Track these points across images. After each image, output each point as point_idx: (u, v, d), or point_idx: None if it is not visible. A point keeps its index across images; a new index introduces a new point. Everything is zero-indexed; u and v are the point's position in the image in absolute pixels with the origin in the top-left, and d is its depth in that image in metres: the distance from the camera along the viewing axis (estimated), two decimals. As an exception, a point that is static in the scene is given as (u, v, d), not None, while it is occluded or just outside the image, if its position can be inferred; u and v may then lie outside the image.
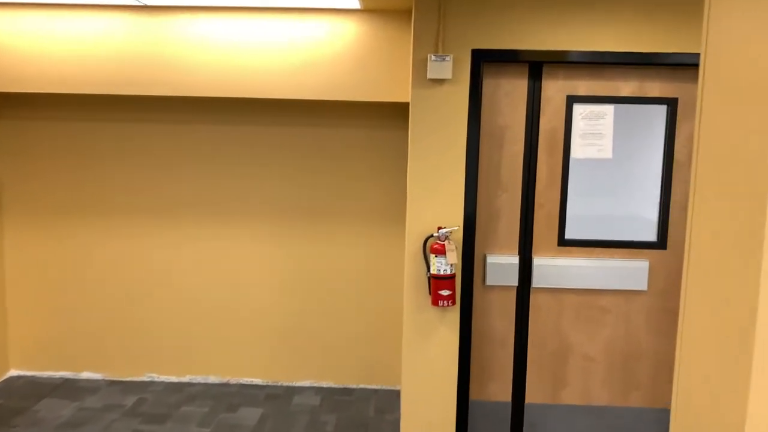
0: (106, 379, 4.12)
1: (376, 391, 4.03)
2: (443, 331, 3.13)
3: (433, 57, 2.92)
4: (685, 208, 3.15)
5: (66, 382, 4.07)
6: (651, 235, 3.15)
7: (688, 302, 1.49)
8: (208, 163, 3.95)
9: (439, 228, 3.04)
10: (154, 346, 4.08)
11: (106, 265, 4.04)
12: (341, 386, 4.07)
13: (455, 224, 3.06)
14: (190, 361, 4.09)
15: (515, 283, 3.15)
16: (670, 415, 1.51)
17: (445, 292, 3.00)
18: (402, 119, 3.87)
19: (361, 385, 4.07)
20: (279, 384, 4.08)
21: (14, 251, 4.04)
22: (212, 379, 4.09)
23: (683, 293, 1.50)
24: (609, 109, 3.05)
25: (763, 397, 1.14)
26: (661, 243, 3.15)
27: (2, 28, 3.55)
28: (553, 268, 3.12)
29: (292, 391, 4.00)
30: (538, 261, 3.13)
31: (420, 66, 2.98)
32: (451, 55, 2.92)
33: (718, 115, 1.35)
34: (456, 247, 3.04)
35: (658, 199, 3.12)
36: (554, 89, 3.06)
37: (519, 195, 3.13)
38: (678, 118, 3.07)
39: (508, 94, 3.07)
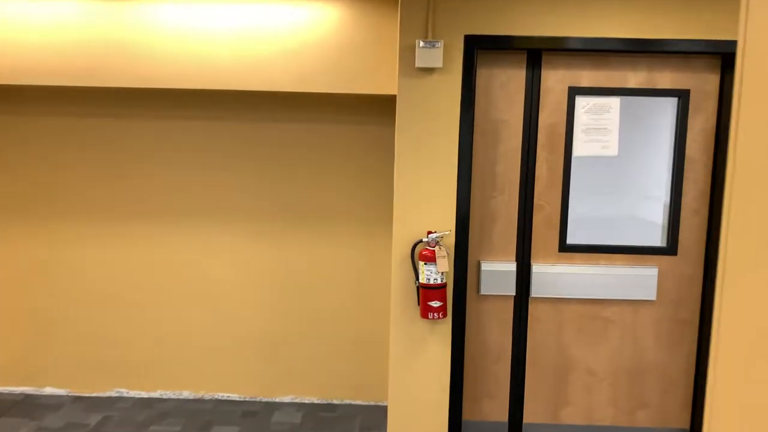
0: (71, 395, 3.96)
1: (361, 407, 3.89)
2: (434, 345, 2.96)
3: (421, 43, 2.76)
4: (697, 211, 2.98)
5: (26, 398, 3.87)
6: (660, 240, 3.03)
7: (724, 320, 1.28)
8: (178, 162, 3.79)
9: (429, 232, 2.88)
10: (122, 358, 3.92)
11: (70, 273, 3.87)
12: (324, 401, 3.93)
13: (446, 228, 2.91)
14: (161, 375, 3.93)
15: (512, 292, 3.02)
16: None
17: (435, 304, 2.79)
18: (390, 113, 3.75)
19: (346, 401, 3.93)
20: (257, 399, 3.94)
21: (-30, 257, 3.82)
22: (185, 394, 3.94)
23: (718, 309, 1.30)
24: (615, 101, 2.93)
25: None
26: (671, 248, 3.02)
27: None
28: (553, 275, 3.00)
29: (271, 407, 3.85)
30: (537, 268, 3.00)
31: (407, 53, 2.83)
32: (442, 41, 2.77)
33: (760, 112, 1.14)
34: (447, 254, 2.89)
35: (667, 201, 3.00)
36: (555, 80, 2.93)
37: (516, 196, 2.99)
38: (690, 111, 2.95)
39: (505, 85, 2.95)
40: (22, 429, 3.48)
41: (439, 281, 2.80)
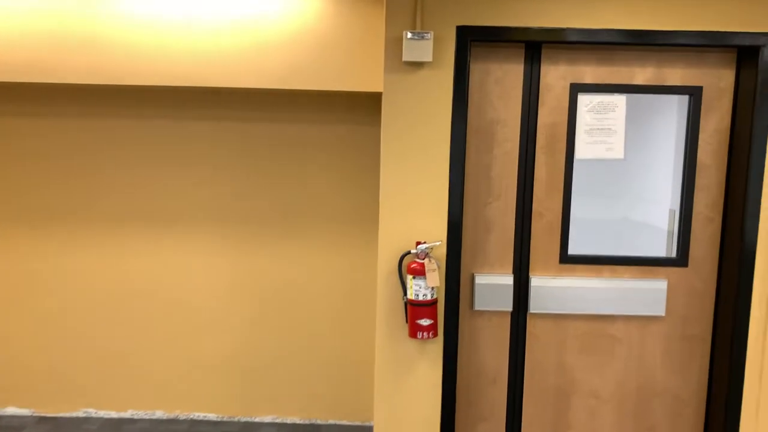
0: (35, 415, 3.80)
1: (346, 427, 3.76)
2: (423, 365, 2.78)
3: (409, 34, 2.58)
4: (710, 219, 2.81)
5: (-14, 419, 3.66)
6: (669, 250, 2.86)
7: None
8: (147, 166, 3.62)
9: (418, 243, 2.69)
10: (91, 376, 3.77)
11: (35, 284, 3.70)
12: (307, 422, 3.80)
13: (437, 238, 2.73)
14: (132, 394, 3.79)
15: (509, 307, 2.86)
16: None
17: (424, 322, 2.58)
18: (377, 112, 3.59)
19: (330, 421, 3.80)
20: (236, 420, 3.80)
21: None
22: (158, 414, 3.81)
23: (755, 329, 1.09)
24: (620, 99, 2.78)
25: None
26: (681, 259, 2.86)
27: None
28: (553, 289, 2.84)
29: (250, 427, 3.72)
30: (535, 281, 2.84)
31: (394, 46, 2.63)
32: (432, 33, 2.57)
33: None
34: (438, 266, 2.70)
35: (677, 208, 2.84)
36: (555, 75, 2.77)
37: (513, 202, 2.84)
38: (702, 110, 2.77)
39: (501, 81, 2.78)
40: (-23, 455, 3.28)
41: (428, 297, 2.58)
